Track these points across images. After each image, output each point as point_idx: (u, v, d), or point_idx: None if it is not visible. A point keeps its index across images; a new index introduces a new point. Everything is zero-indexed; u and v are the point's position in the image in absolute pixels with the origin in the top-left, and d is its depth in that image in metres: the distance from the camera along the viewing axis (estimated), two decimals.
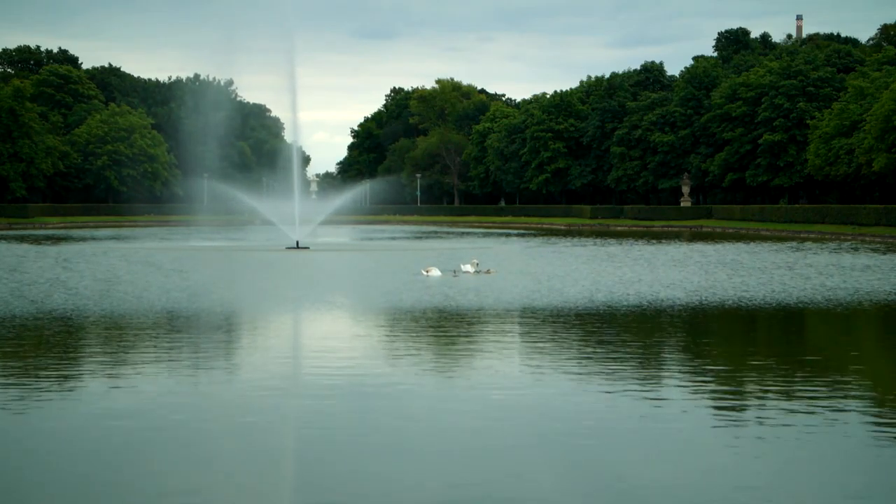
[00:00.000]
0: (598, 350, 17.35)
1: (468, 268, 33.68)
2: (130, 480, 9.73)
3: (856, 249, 51.48)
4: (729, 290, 28.33)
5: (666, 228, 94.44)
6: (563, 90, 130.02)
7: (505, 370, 15.49)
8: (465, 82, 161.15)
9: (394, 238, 73.48)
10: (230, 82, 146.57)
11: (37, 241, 63.08)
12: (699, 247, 55.29)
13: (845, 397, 13.44)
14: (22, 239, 65.90)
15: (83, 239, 67.83)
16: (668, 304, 24.72)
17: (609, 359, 16.41)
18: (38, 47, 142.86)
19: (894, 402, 13.47)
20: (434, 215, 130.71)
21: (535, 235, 78.97)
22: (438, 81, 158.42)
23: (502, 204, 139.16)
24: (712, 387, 14.34)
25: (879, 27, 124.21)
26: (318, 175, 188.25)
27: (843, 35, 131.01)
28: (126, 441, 11.10)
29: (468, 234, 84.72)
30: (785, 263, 39.88)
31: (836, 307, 24.62)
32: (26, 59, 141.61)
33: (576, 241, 65.42)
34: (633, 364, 16.00)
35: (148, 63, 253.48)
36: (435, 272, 32.62)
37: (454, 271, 33.52)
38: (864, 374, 15.70)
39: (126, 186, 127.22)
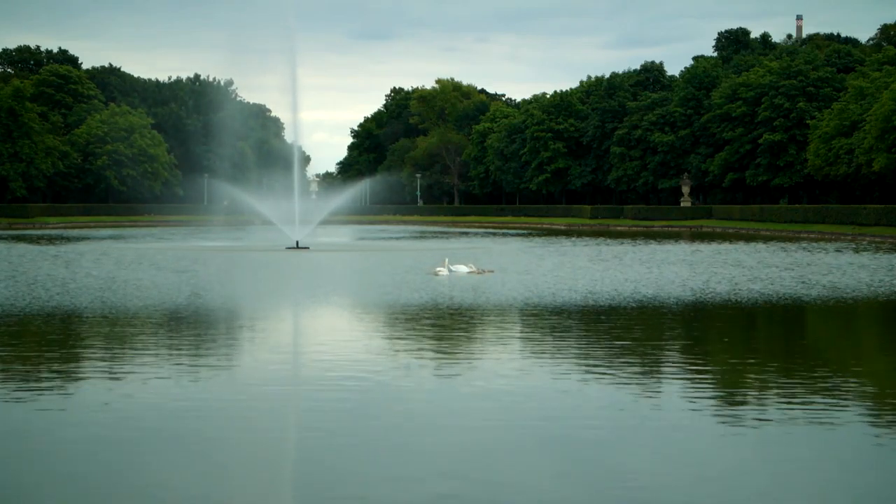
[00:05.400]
0: (598, 349, 17.34)
1: (462, 268, 33.75)
2: (130, 481, 9.72)
3: (860, 250, 51.45)
4: (729, 289, 28.31)
5: (666, 228, 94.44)
6: (563, 90, 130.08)
7: (505, 369, 15.46)
8: (465, 82, 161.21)
9: (394, 238, 73.47)
10: (230, 82, 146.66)
11: (37, 240, 63.06)
12: (699, 247, 55.27)
13: (846, 397, 13.43)
14: (22, 239, 65.87)
15: (83, 239, 67.80)
16: (668, 303, 24.72)
17: (609, 358, 16.40)
18: (38, 47, 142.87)
19: (894, 403, 13.46)
20: (434, 215, 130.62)
21: (535, 235, 78.96)
22: (438, 81, 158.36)
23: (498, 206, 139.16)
24: (713, 386, 14.34)
25: (879, 27, 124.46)
26: (318, 175, 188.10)
27: (843, 35, 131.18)
28: (126, 442, 11.09)
29: (468, 233, 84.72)
30: (786, 263, 39.87)
31: (837, 306, 24.62)
32: (26, 59, 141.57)
33: (575, 241, 65.41)
34: (634, 364, 15.98)
35: (148, 63, 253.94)
36: (444, 271, 32.99)
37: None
38: (865, 373, 15.69)
39: (126, 186, 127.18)
